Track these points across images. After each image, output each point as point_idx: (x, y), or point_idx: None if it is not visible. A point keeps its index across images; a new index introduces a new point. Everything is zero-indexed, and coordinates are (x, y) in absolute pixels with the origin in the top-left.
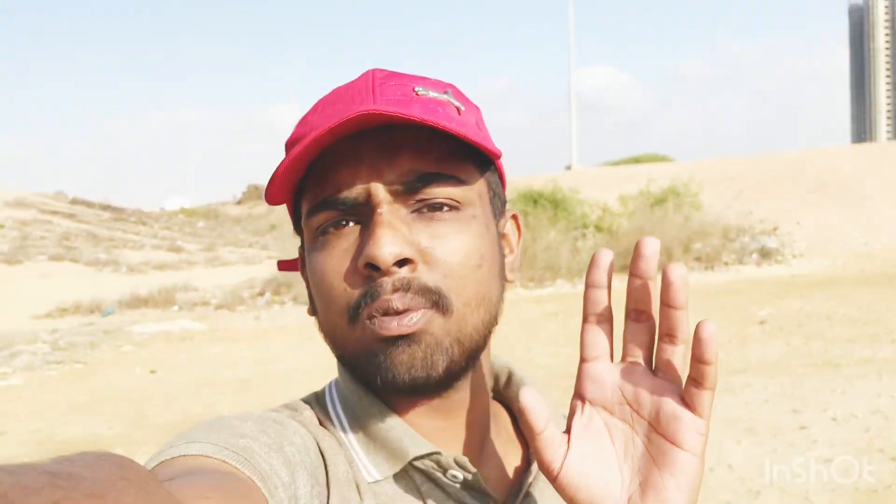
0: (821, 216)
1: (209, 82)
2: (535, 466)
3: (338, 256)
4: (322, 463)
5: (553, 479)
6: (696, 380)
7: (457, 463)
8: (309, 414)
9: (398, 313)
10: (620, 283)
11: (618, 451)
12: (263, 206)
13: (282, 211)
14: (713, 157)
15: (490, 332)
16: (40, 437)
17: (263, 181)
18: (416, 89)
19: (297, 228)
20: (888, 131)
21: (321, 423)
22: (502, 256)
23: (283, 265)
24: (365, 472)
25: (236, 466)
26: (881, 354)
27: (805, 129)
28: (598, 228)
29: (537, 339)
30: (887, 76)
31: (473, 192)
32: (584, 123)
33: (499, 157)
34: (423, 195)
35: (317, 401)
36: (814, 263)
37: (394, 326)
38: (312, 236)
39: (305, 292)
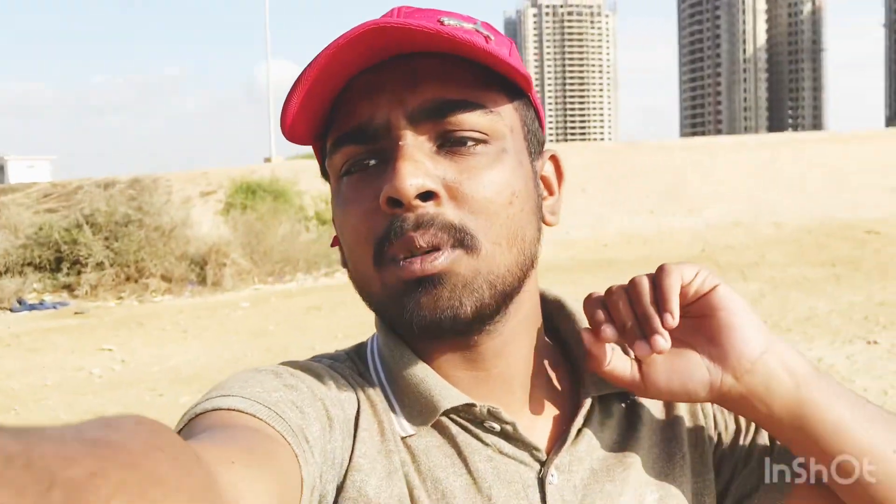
0: None
1: None
2: (587, 404)
3: (360, 197)
4: (355, 414)
5: (643, 394)
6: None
7: (491, 413)
8: (350, 364)
9: (423, 252)
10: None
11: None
12: None
13: None
14: None
15: (527, 275)
16: None
17: None
18: (442, 19)
19: (325, 174)
20: None
21: (361, 373)
22: (539, 196)
23: (337, 240)
24: (398, 426)
25: (267, 421)
26: None
27: None
28: (322, 221)
29: (315, 335)
30: (536, 86)
31: (503, 124)
32: (260, 117)
33: (529, 82)
34: (448, 125)
35: (358, 352)
36: None
37: (417, 268)
38: (336, 178)
39: (7, 295)
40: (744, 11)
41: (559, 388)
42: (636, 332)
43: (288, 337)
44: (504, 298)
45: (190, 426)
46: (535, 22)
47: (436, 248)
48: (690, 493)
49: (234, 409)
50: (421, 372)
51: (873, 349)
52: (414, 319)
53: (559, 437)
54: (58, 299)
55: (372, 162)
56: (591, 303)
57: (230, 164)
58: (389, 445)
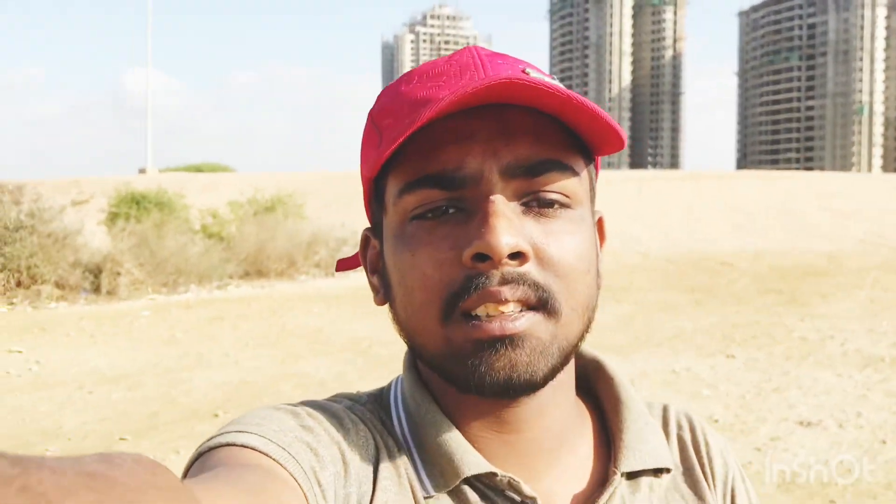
0: None
1: None
2: (616, 480)
3: (435, 244)
4: (375, 460)
5: None
6: None
7: (511, 485)
8: (371, 408)
9: (506, 310)
10: (248, 290)
11: None
12: None
13: None
14: (272, 169)
15: (584, 339)
16: None
17: None
18: (527, 70)
19: (379, 209)
20: None
21: (383, 421)
22: (598, 259)
23: (343, 264)
24: (419, 485)
25: (279, 462)
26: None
27: (345, 150)
28: (209, 234)
29: (225, 343)
30: None
31: (583, 190)
32: (130, 126)
33: (622, 147)
34: (538, 184)
35: (380, 398)
36: None
37: (496, 327)
38: (403, 219)
39: None
40: (611, 52)
41: (588, 455)
42: None
43: (199, 345)
44: (566, 363)
45: (203, 459)
46: (412, 48)
47: (521, 307)
48: None
49: (247, 447)
50: (446, 432)
51: (731, 362)
52: (486, 380)
53: None
54: None
55: (450, 210)
56: None
57: (98, 172)
58: (409, 499)
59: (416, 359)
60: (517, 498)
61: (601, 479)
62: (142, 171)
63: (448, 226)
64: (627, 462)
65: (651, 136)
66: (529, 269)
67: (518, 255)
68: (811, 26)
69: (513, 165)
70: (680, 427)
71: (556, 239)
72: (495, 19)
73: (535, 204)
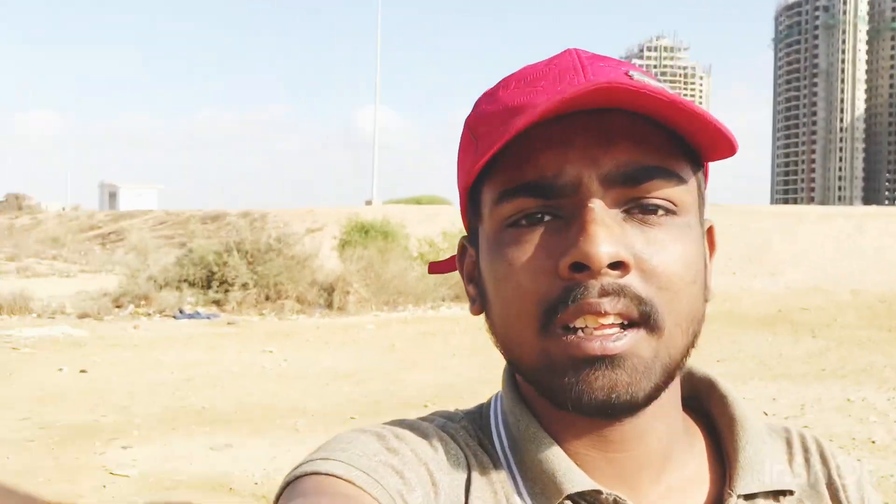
0: None
1: None
2: (732, 502)
3: (531, 252)
4: (466, 480)
5: None
6: None
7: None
8: (465, 426)
9: (606, 324)
10: (457, 311)
11: None
12: (26, 218)
13: (64, 222)
14: None
15: (690, 355)
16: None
17: (20, 189)
18: (631, 73)
19: (474, 217)
20: None
21: (480, 439)
22: (706, 271)
23: (435, 267)
24: (519, 501)
25: (364, 488)
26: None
27: None
28: (426, 261)
29: (434, 353)
30: None
31: (689, 195)
32: (359, 160)
33: (733, 153)
34: (640, 192)
35: (479, 415)
36: None
37: (596, 347)
38: (499, 227)
39: (169, 305)
40: (842, 80)
41: (697, 476)
42: None
43: (414, 353)
44: (669, 381)
45: (290, 489)
46: None
47: (622, 322)
48: None
49: (331, 475)
50: (547, 449)
51: None
52: (583, 399)
53: None
54: (209, 312)
55: (546, 217)
56: None
57: (329, 203)
58: None
59: (515, 373)
60: None
61: (714, 501)
62: (368, 202)
63: (544, 234)
64: (744, 483)
65: (889, 170)
66: (631, 280)
67: (619, 265)
68: None
69: (613, 173)
70: (806, 449)
71: (660, 248)
72: (715, 49)
73: (638, 211)
